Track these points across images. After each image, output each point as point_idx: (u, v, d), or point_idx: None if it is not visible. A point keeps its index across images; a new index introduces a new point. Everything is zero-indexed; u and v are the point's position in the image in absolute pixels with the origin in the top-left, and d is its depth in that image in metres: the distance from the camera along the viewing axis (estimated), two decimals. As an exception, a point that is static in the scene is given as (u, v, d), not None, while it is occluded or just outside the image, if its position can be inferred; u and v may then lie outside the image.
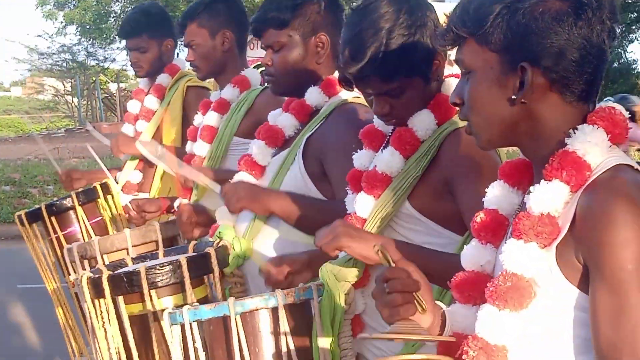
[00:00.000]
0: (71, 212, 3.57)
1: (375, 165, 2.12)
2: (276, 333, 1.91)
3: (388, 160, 2.09)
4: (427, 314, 1.57)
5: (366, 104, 2.62)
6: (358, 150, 2.26)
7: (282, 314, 1.89)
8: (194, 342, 1.91)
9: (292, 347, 1.89)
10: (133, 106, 4.09)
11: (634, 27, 22.03)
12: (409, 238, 2.07)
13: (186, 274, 2.17)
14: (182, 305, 2.03)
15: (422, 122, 2.08)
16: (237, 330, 1.87)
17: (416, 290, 1.53)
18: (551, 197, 1.44)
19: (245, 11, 3.50)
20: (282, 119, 2.65)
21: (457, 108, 1.63)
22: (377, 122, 2.27)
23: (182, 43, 3.38)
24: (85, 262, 2.77)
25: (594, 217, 1.36)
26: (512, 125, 1.51)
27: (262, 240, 2.55)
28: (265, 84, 3.27)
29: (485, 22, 1.48)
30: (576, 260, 1.40)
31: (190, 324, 1.91)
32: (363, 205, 2.11)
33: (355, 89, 2.27)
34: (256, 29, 2.61)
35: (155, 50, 3.89)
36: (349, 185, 2.23)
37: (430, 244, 2.00)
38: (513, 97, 1.48)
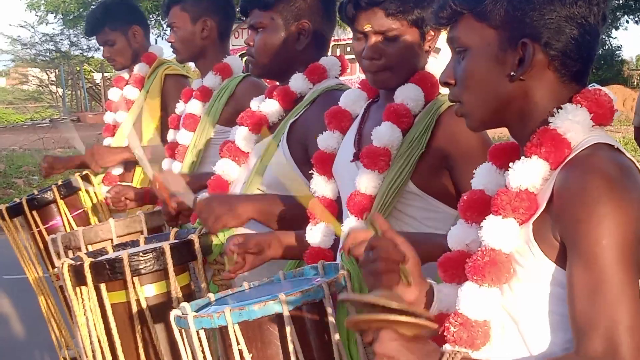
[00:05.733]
0: (52, 205, 3.54)
1: (372, 141, 2.11)
2: (323, 325, 1.82)
3: (389, 133, 2.07)
4: (413, 288, 1.58)
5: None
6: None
7: (329, 305, 1.79)
8: (238, 344, 1.74)
9: (337, 336, 1.82)
10: (114, 94, 4.07)
11: (618, 14, 22.10)
12: (408, 214, 2.07)
13: (169, 261, 2.17)
14: (163, 295, 2.00)
15: (410, 94, 2.09)
16: (290, 327, 1.75)
17: (400, 260, 1.54)
18: (529, 173, 1.45)
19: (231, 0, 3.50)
20: (266, 105, 2.65)
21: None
22: (344, 103, 2.27)
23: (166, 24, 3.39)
24: (70, 252, 2.73)
25: (570, 195, 1.37)
26: (506, 104, 1.51)
27: (245, 228, 2.54)
28: (247, 71, 3.27)
29: None
30: (553, 238, 1.41)
31: (234, 326, 1.73)
32: (368, 182, 2.08)
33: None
34: (243, 7, 2.65)
35: (123, 40, 3.89)
36: (314, 167, 2.23)
37: (430, 219, 2.01)
38: (512, 73, 1.48)
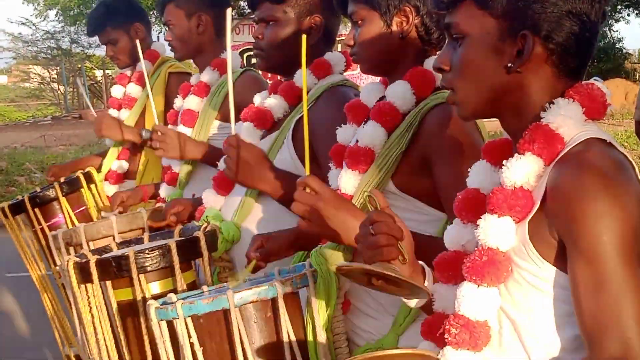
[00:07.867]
0: (55, 202, 3.54)
1: (357, 140, 2.10)
2: (276, 324, 1.85)
3: (370, 133, 2.06)
4: (408, 265, 1.57)
5: (355, 87, 2.60)
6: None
7: (282, 304, 1.83)
8: (189, 337, 1.80)
9: (292, 337, 1.84)
10: (117, 92, 4.08)
11: (619, 7, 22.03)
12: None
13: (175, 259, 2.15)
14: (169, 292, 2.00)
15: (397, 92, 2.06)
16: (238, 323, 1.80)
17: (399, 238, 1.53)
18: (523, 171, 1.44)
19: None
20: (270, 101, 2.63)
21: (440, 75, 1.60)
22: (363, 97, 2.25)
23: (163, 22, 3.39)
24: (71, 249, 2.73)
25: (566, 192, 1.36)
26: (500, 95, 1.49)
27: (251, 224, 2.53)
28: (245, 66, 3.26)
29: None
30: (550, 237, 1.39)
31: (185, 319, 1.80)
32: (347, 181, 2.08)
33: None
34: (252, 0, 2.61)
35: (126, 38, 3.89)
36: (332, 160, 2.22)
37: (412, 220, 1.98)
38: (509, 65, 1.46)
